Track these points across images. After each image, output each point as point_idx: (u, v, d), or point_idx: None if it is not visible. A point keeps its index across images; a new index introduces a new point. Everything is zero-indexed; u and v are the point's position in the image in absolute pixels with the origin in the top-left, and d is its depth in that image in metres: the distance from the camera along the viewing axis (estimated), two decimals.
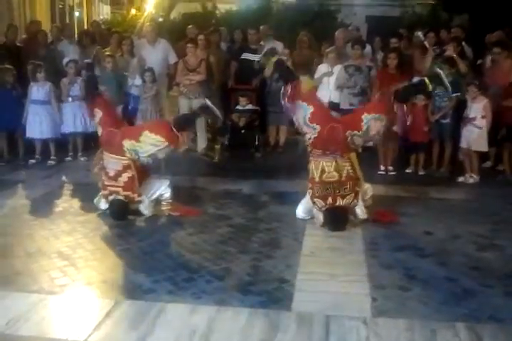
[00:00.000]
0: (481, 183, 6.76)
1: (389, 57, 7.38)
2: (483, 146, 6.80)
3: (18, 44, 8.74)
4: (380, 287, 4.01)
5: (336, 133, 5.16)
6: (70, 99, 7.58)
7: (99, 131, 5.68)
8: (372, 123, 5.22)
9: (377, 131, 5.29)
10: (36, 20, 10.49)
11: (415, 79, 5.90)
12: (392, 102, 5.46)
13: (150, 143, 5.32)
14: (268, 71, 7.85)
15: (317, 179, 5.20)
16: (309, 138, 5.28)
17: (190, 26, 9.21)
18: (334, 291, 3.95)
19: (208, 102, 6.06)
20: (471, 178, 6.82)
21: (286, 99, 5.33)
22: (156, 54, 8.29)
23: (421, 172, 7.15)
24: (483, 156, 7.11)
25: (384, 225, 5.23)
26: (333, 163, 5.15)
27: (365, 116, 5.24)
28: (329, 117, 5.54)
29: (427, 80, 5.74)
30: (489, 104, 6.71)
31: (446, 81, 6.69)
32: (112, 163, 5.39)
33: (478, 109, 6.71)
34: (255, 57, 8.33)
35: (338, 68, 7.76)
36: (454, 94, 6.92)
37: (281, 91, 5.45)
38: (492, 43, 7.76)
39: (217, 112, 6.11)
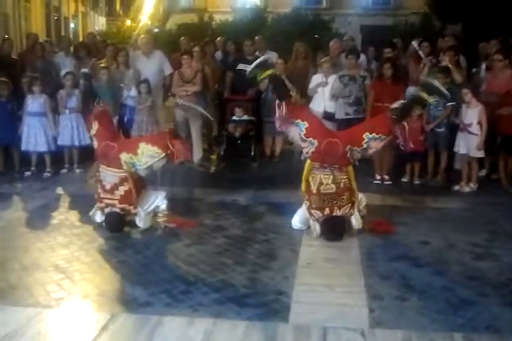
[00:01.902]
0: (476, 192, 6.78)
1: (384, 67, 7.41)
2: (480, 152, 6.80)
3: (12, 57, 8.74)
4: (377, 297, 4.01)
5: (334, 148, 5.16)
6: (66, 111, 7.59)
7: (95, 144, 5.67)
8: (372, 142, 5.22)
9: (375, 149, 5.31)
10: (33, 33, 10.53)
11: (410, 92, 5.65)
12: (392, 121, 5.33)
13: (147, 155, 5.30)
14: (263, 84, 7.86)
15: (314, 191, 5.21)
16: (307, 153, 5.30)
17: (182, 38, 9.25)
18: (331, 302, 3.95)
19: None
20: (467, 187, 6.83)
21: (280, 121, 5.40)
22: (151, 65, 8.30)
23: (416, 182, 7.16)
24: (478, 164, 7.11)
25: (380, 235, 5.24)
26: (331, 175, 5.17)
27: (367, 135, 5.21)
28: (325, 131, 5.53)
29: (423, 94, 5.60)
30: (484, 111, 6.70)
31: (443, 89, 6.53)
32: (109, 176, 5.38)
33: (473, 114, 6.70)
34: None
35: (332, 78, 7.80)
36: (449, 104, 6.94)
37: (276, 114, 5.49)
38: (494, 51, 7.71)
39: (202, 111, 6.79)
